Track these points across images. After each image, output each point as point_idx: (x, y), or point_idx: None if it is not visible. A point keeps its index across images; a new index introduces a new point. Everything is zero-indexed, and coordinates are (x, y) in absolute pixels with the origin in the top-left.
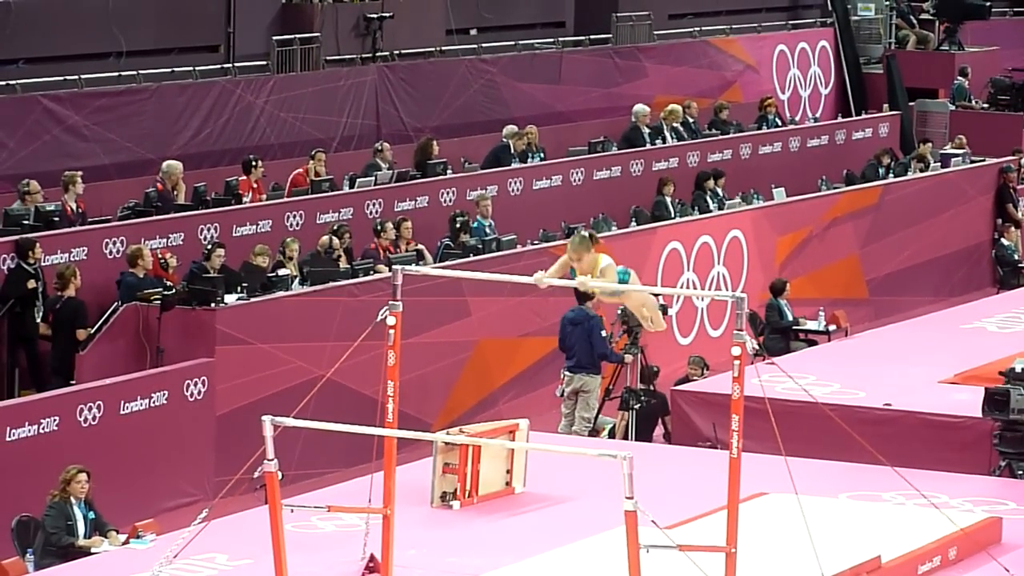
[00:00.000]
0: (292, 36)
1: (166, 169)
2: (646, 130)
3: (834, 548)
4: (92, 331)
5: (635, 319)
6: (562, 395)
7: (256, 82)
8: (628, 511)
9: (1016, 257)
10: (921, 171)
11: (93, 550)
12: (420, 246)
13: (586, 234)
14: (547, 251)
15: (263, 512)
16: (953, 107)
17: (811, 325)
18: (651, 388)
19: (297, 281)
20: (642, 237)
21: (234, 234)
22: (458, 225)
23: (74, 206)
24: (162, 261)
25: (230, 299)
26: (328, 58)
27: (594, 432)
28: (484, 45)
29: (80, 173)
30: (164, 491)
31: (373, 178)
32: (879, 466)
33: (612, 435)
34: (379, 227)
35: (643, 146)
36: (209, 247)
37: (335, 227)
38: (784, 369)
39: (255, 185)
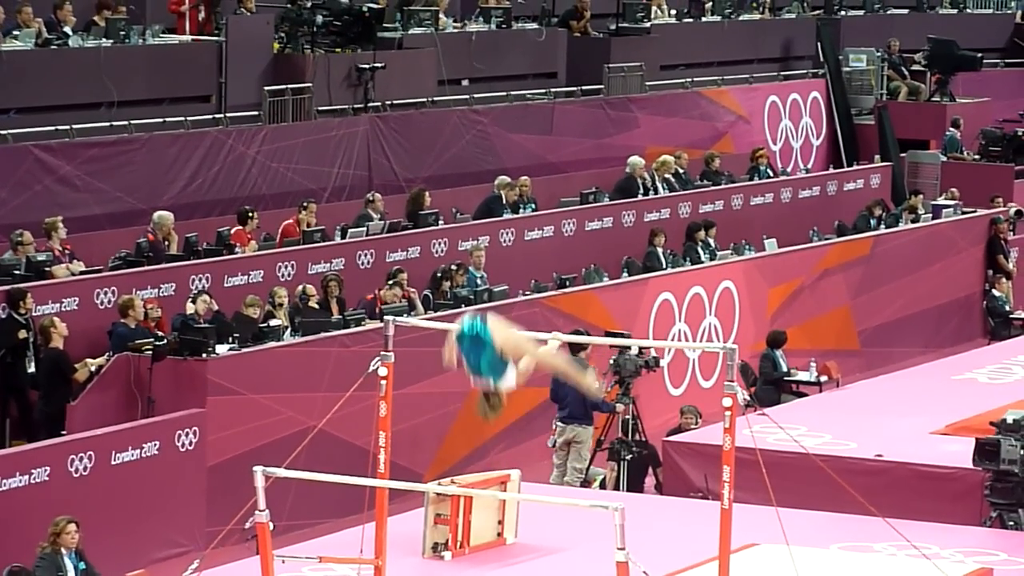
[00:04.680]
0: (284, 86)
1: (157, 220)
2: (640, 180)
3: None
4: (92, 369)
5: (627, 369)
6: (554, 445)
7: (248, 132)
8: (620, 562)
9: (1007, 308)
10: (912, 222)
11: None
12: (413, 294)
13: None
14: (538, 302)
15: (255, 563)
16: (944, 158)
17: (802, 376)
18: (643, 439)
19: (288, 331)
20: (634, 288)
21: (225, 284)
22: (439, 275)
23: (60, 248)
24: (144, 312)
25: (221, 349)
26: (320, 108)
27: (586, 483)
28: (476, 96)
29: (60, 218)
30: (155, 541)
31: (365, 228)
32: (870, 517)
33: (604, 486)
34: (392, 278)
35: (637, 196)
36: (195, 293)
37: (324, 277)
38: (775, 420)
39: (250, 236)
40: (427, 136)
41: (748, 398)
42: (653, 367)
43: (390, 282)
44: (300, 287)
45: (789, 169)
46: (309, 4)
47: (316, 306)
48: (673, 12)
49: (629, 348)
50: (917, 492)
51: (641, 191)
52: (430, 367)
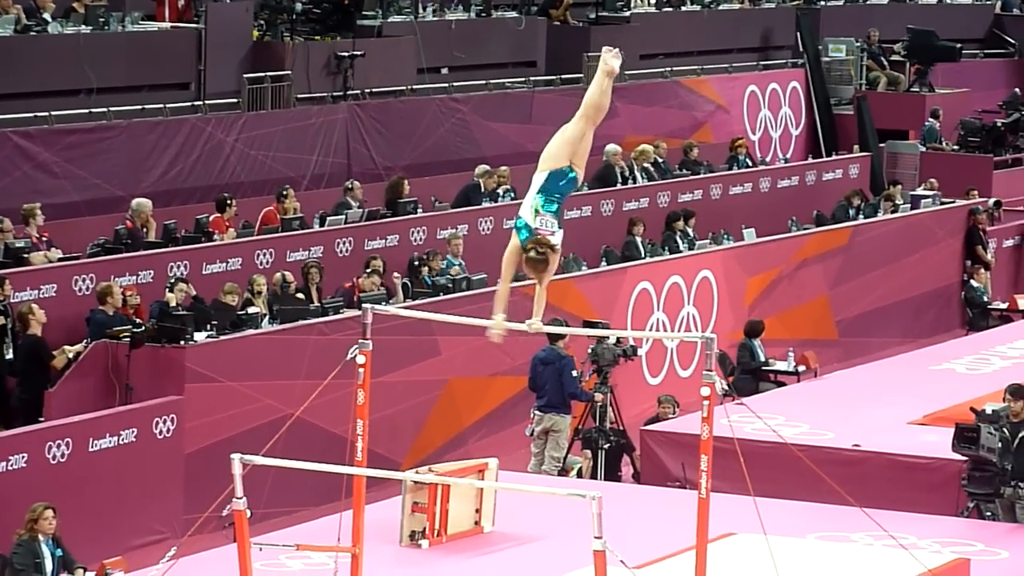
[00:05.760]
0: (263, 74)
1: (136, 207)
2: (619, 169)
3: None
4: (70, 356)
5: (605, 358)
6: (532, 434)
7: (227, 120)
8: (597, 551)
9: (985, 299)
10: (891, 212)
11: None
12: (396, 279)
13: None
14: (517, 290)
15: (232, 550)
16: (923, 149)
17: (780, 366)
18: (619, 427)
19: (267, 319)
20: (612, 277)
21: (204, 272)
22: (416, 263)
23: (37, 236)
24: (122, 299)
25: (199, 337)
26: (299, 96)
27: (563, 472)
28: (455, 84)
29: (38, 205)
30: (132, 529)
31: (343, 216)
32: (848, 507)
33: (581, 474)
34: (368, 267)
35: (616, 185)
36: (172, 281)
37: (305, 264)
38: (753, 410)
39: (228, 223)
40: (406, 124)
41: (726, 387)
42: (631, 356)
43: (368, 270)
44: (279, 274)
45: (768, 159)
46: None
47: (301, 296)
48: (653, 1)
49: (607, 337)
50: (894, 482)
51: (620, 180)
52: (408, 355)
